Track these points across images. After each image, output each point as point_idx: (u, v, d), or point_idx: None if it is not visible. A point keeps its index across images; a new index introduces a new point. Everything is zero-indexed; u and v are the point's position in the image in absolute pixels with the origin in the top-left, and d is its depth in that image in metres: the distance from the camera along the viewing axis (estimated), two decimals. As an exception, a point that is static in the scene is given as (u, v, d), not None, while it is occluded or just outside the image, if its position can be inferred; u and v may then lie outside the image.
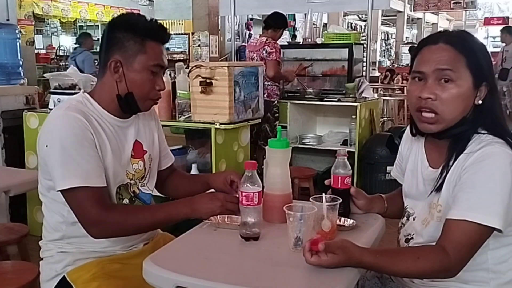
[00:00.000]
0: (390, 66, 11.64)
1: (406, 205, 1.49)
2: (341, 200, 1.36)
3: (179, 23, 8.49)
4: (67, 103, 1.52)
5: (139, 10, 9.59)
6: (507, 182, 1.19)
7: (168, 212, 1.50)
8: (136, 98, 1.52)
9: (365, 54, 5.40)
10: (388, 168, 3.88)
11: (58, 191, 1.42)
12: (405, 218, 1.48)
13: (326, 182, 1.54)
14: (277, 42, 4.69)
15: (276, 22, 4.73)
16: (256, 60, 4.52)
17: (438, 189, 1.32)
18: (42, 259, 1.59)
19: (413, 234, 1.42)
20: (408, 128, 1.51)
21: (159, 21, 1.58)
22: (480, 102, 1.29)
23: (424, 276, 1.28)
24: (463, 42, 1.30)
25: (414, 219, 1.43)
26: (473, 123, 1.30)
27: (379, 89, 8.72)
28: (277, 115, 4.63)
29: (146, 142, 1.66)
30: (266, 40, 4.60)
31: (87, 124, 1.44)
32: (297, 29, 11.36)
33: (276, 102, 4.61)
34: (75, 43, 7.74)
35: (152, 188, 1.71)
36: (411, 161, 1.47)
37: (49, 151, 1.42)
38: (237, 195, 1.46)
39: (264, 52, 4.54)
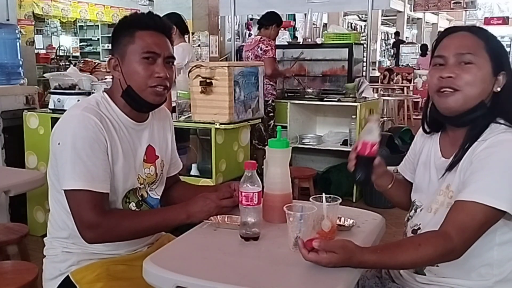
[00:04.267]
0: (390, 66, 11.65)
1: (414, 199, 1.49)
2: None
3: (179, 23, 8.45)
4: (85, 102, 1.51)
5: (139, 10, 9.55)
6: None
7: (164, 218, 1.49)
8: (135, 90, 1.50)
9: (365, 54, 5.40)
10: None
11: (62, 190, 1.42)
12: (412, 211, 1.48)
13: (353, 146, 1.48)
14: (272, 40, 4.68)
15: (266, 20, 4.73)
16: (251, 59, 4.53)
17: (449, 169, 1.33)
18: (45, 256, 1.59)
19: (420, 224, 1.42)
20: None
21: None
22: (498, 89, 1.31)
23: (428, 262, 1.27)
24: (482, 30, 1.35)
25: (421, 210, 1.44)
26: (491, 111, 1.32)
27: (379, 89, 8.74)
28: (271, 114, 4.61)
29: (159, 147, 1.65)
30: (261, 38, 4.61)
31: (102, 127, 1.44)
32: (297, 29, 11.35)
33: (270, 101, 4.60)
34: None
35: (160, 193, 1.68)
36: (424, 154, 1.48)
37: (61, 148, 1.42)
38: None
39: (258, 49, 4.53)
